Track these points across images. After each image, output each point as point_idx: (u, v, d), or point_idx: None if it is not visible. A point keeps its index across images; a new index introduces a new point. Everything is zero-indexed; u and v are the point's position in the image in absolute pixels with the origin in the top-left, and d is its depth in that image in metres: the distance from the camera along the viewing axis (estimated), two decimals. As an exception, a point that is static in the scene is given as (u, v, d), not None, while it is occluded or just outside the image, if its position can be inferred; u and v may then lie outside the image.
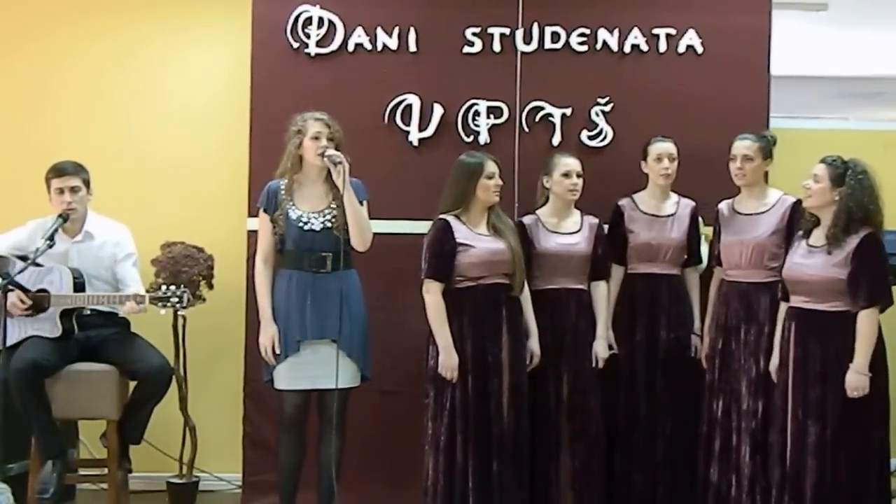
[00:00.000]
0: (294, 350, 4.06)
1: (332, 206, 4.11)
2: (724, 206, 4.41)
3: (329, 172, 4.09)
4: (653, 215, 4.46)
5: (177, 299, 4.26)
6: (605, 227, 4.49)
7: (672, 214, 4.46)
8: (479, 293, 4.12)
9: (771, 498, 3.98)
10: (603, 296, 4.39)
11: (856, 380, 3.74)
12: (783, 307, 4.03)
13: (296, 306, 4.07)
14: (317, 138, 4.08)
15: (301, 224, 4.07)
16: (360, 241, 4.11)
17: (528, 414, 4.18)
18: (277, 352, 4.06)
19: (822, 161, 3.92)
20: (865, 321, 3.75)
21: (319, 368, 4.05)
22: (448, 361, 4.05)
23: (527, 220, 4.41)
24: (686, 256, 4.48)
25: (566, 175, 4.34)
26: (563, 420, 4.27)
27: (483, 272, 4.11)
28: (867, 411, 3.77)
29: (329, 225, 4.08)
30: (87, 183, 4.46)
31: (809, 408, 3.83)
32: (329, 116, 4.15)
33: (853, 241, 3.79)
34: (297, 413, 4.12)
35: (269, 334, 4.08)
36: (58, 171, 4.42)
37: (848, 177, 3.83)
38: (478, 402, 4.06)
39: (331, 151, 4.05)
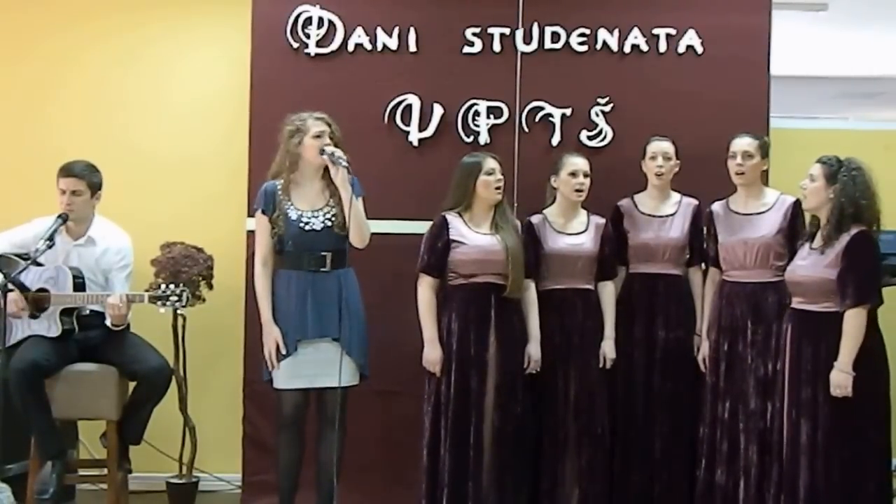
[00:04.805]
0: (293, 350, 4.06)
1: (330, 203, 4.11)
2: (718, 206, 4.38)
3: (325, 170, 4.09)
4: (651, 215, 4.45)
5: (176, 298, 4.25)
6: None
7: (671, 214, 4.44)
8: (469, 290, 4.14)
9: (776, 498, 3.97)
10: (610, 296, 4.38)
11: (838, 378, 3.72)
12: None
13: (296, 306, 4.06)
14: (319, 136, 4.07)
15: (302, 224, 4.07)
16: (359, 239, 4.10)
17: (529, 416, 4.18)
18: (283, 352, 4.05)
19: (818, 160, 3.92)
20: (852, 320, 3.73)
21: (318, 368, 4.05)
22: (430, 355, 4.10)
23: (534, 219, 4.40)
24: (688, 256, 4.46)
25: (573, 174, 4.33)
26: (570, 419, 4.27)
27: (475, 270, 4.12)
28: (860, 412, 3.75)
29: (329, 224, 4.09)
30: (93, 187, 4.41)
31: (802, 407, 3.83)
32: (328, 116, 4.15)
33: (844, 240, 3.78)
34: (296, 412, 4.12)
35: (272, 337, 4.06)
36: (65, 171, 4.40)
37: (841, 173, 3.82)
38: (457, 398, 4.08)
39: (335, 149, 4.05)
